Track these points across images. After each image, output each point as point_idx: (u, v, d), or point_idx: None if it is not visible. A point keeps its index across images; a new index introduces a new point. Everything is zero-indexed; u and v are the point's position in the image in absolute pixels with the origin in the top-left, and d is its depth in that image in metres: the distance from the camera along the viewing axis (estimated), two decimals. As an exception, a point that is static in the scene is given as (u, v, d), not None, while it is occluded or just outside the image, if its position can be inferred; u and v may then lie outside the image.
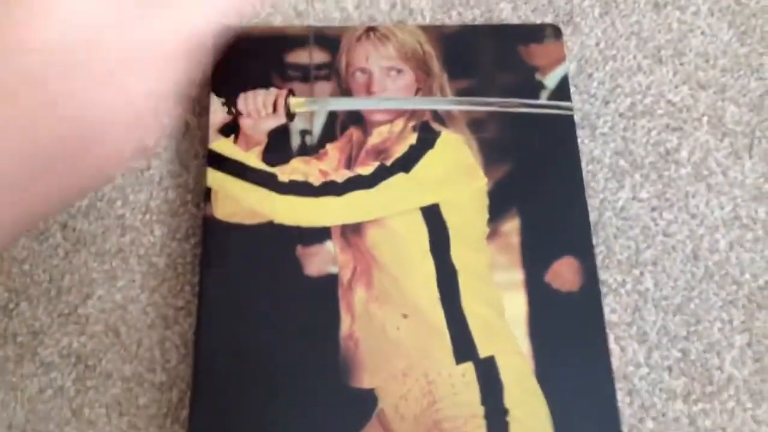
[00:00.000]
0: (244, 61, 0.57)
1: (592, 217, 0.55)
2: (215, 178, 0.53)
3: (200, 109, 0.59)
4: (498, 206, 0.53)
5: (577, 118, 0.59)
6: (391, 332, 0.49)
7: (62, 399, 0.50)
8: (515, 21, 0.62)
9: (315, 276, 0.51)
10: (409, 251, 0.52)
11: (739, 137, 0.59)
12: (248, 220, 0.52)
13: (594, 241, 0.54)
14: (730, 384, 0.51)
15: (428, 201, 0.53)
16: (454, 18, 0.62)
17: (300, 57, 0.58)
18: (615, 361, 0.51)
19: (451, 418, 0.47)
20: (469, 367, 0.49)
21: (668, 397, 0.51)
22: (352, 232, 0.52)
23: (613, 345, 0.52)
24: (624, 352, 0.52)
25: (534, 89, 0.57)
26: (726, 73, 0.61)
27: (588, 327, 0.50)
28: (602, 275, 0.54)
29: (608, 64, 0.61)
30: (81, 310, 0.52)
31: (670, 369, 0.51)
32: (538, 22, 0.62)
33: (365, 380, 0.48)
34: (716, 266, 0.54)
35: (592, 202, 0.56)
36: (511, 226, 0.53)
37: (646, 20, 0.63)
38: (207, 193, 0.53)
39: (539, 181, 0.54)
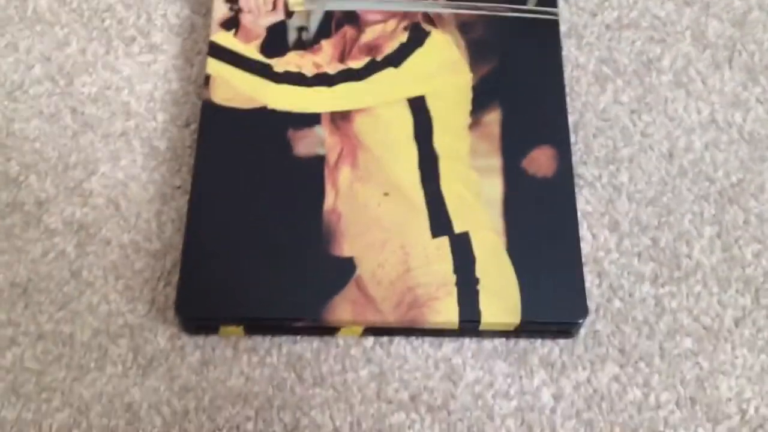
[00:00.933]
0: (248, -36, 0.58)
1: (573, 117, 0.56)
2: (215, 66, 0.54)
3: (206, 11, 0.60)
4: (481, 100, 0.54)
5: (564, 28, 0.59)
6: (372, 208, 0.50)
7: (63, 262, 0.51)
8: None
9: (303, 156, 0.52)
10: (394, 137, 0.52)
11: (721, 50, 0.59)
12: (244, 105, 0.53)
13: (573, 139, 0.54)
14: (698, 270, 0.51)
15: (415, 93, 0.53)
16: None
17: (301, -39, 0.58)
18: (586, 247, 0.51)
19: (424, 284, 0.48)
20: (444, 240, 0.49)
21: (636, 280, 0.51)
22: (341, 118, 0.53)
23: (585, 232, 0.52)
24: (596, 239, 0.52)
25: (522, -4, 0.57)
26: (711, -9, 0.61)
27: (560, 211, 0.50)
28: (579, 170, 0.54)
29: (597, -20, 0.61)
30: (85, 185, 0.53)
31: (639, 255, 0.51)
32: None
33: (345, 248, 0.49)
34: (690, 164, 0.54)
35: (575, 105, 0.56)
36: (493, 117, 0.53)
37: (636, -59, 0.63)
38: (206, 80, 0.54)
39: (522, 79, 0.54)
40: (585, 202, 0.53)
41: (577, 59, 0.58)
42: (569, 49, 0.58)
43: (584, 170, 0.54)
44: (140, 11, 0.59)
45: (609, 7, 0.60)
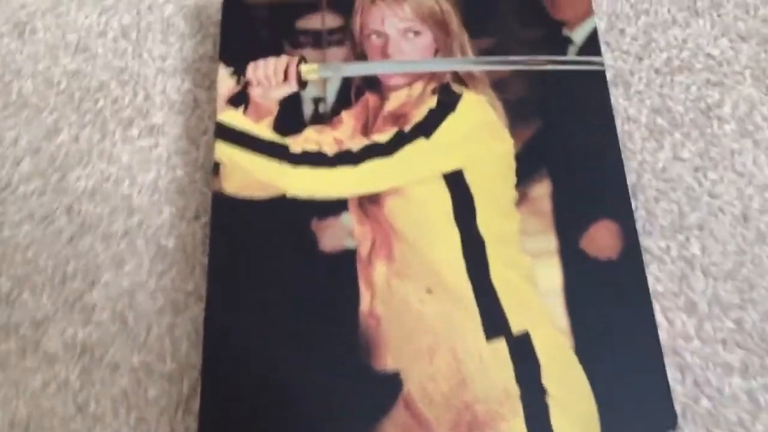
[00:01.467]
0: (253, 29, 0.51)
1: (631, 179, 0.48)
2: (224, 150, 0.47)
3: (209, 83, 0.52)
4: (526, 169, 0.46)
5: (609, 75, 0.51)
6: (414, 307, 0.42)
7: (66, 393, 0.44)
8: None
9: (331, 251, 0.44)
10: (431, 220, 0.45)
11: (787, 89, 0.51)
12: (259, 194, 0.46)
13: (633, 206, 0.47)
14: (792, 354, 0.43)
15: (451, 167, 0.46)
16: (473, -23, 0.55)
17: (311, 22, 0.51)
18: (663, 335, 0.44)
19: (483, 399, 0.40)
20: (500, 343, 0.42)
21: (724, 372, 0.43)
22: (370, 202, 0.45)
23: (659, 317, 0.44)
24: (672, 325, 0.44)
25: (561, 45, 0.50)
26: (769, 22, 0.53)
27: (631, 297, 0.42)
28: (644, 242, 0.46)
29: (641, 18, 0.53)
30: (86, 298, 0.46)
31: (724, 341, 0.44)
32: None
33: (388, 361, 0.41)
34: (769, 227, 0.47)
35: (630, 164, 0.48)
36: (542, 189, 0.46)
37: (679, -29, 0.55)
38: (216, 168, 0.46)
39: (570, 141, 0.47)
40: (654, 280, 0.45)
41: (626, 111, 0.50)
42: (617, 100, 0.51)
43: (650, 242, 0.46)
44: (137, 88, 0.52)
45: (656, 49, 0.52)
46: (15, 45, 0.54)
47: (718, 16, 0.53)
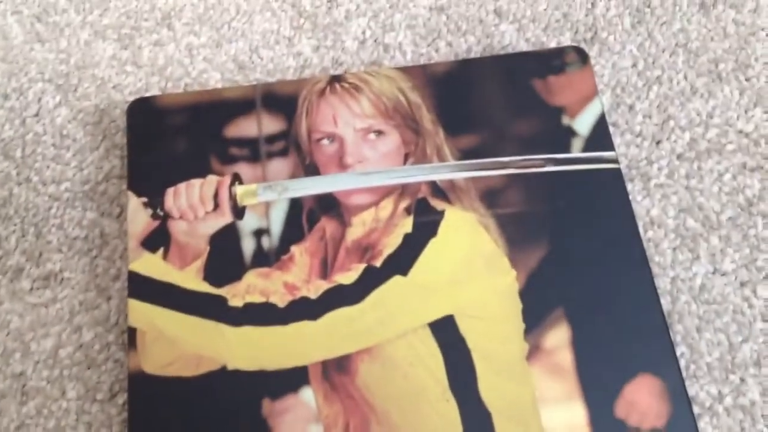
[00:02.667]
0: (169, 141, 0.42)
1: (664, 304, 0.40)
2: (140, 312, 0.38)
3: (119, 211, 0.43)
4: (537, 309, 0.38)
5: (622, 166, 0.43)
6: None
7: None
8: (523, 46, 0.47)
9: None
10: (420, 391, 0.36)
11: (841, 170, 0.44)
12: (191, 371, 0.37)
13: (672, 338, 0.39)
14: None
15: (438, 313, 0.38)
16: (442, 51, 0.47)
17: (245, 128, 0.43)
18: None
19: None
20: None
21: None
22: (337, 370, 0.37)
23: (719, 491, 0.36)
24: (737, 501, 0.36)
25: (563, 138, 0.42)
26: (808, 85, 0.46)
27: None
28: (689, 389, 0.38)
29: (652, 89, 0.46)
30: None
31: None
32: (553, 45, 0.47)
33: None
34: (843, 357, 0.39)
35: (661, 284, 0.41)
36: (559, 336, 0.38)
37: (692, 26, 0.48)
38: (131, 337, 0.38)
39: (588, 266, 0.39)
40: (708, 440, 0.37)
41: (648, 212, 0.43)
42: (635, 198, 0.43)
43: (696, 389, 0.39)
44: (25, 224, 0.43)
45: (676, 128, 0.45)
46: None
47: (747, 80, 0.46)
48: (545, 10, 0.48)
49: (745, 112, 0.45)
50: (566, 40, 0.47)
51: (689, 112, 0.45)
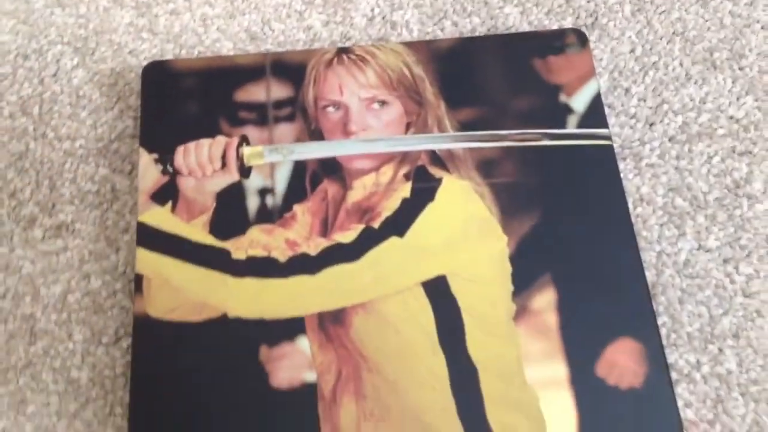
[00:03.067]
0: (181, 103, 0.45)
1: (649, 276, 0.43)
2: (148, 260, 0.41)
3: (131, 168, 0.46)
4: (525, 274, 0.41)
5: (615, 145, 0.46)
6: (393, 464, 0.37)
7: None
8: (526, 28, 0.49)
9: (286, 387, 0.38)
10: (410, 344, 0.39)
11: (826, 158, 0.46)
12: (193, 317, 0.40)
13: (654, 308, 0.41)
14: None
15: (432, 273, 0.40)
16: (448, 30, 0.50)
17: (254, 93, 0.45)
18: (698, 476, 0.38)
19: None
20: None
21: None
22: (332, 321, 0.39)
23: (693, 452, 0.39)
24: (709, 462, 0.39)
25: (559, 115, 0.45)
26: (799, 76, 0.48)
27: (660, 434, 0.37)
28: (669, 356, 0.41)
29: (648, 74, 0.48)
30: (-23, 451, 0.39)
31: (773, 482, 0.38)
32: (555, 27, 0.49)
33: None
34: (818, 333, 0.42)
35: (647, 257, 0.43)
36: (545, 300, 0.40)
37: (690, 16, 0.50)
38: (138, 283, 0.40)
39: (576, 236, 0.41)
40: (684, 404, 0.40)
41: (639, 190, 0.45)
42: (626, 177, 0.45)
43: (676, 357, 0.41)
44: (40, 178, 0.46)
45: (669, 112, 0.47)
46: None
47: (740, 69, 0.49)
48: (548, -6, 0.51)
49: (737, 99, 0.48)
50: (568, 25, 0.50)
51: (683, 97, 0.48)
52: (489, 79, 0.46)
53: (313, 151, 0.44)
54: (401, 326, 0.39)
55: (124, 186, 0.46)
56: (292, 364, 0.39)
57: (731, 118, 0.47)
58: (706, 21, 0.50)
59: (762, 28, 0.50)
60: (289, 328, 0.40)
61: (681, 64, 0.49)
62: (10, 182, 0.46)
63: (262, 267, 0.41)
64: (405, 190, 0.42)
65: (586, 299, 0.40)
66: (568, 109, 0.45)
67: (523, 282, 0.40)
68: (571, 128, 0.44)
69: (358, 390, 0.38)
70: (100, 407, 0.40)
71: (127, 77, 0.48)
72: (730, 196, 0.45)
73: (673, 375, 0.41)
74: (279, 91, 0.45)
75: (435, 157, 0.43)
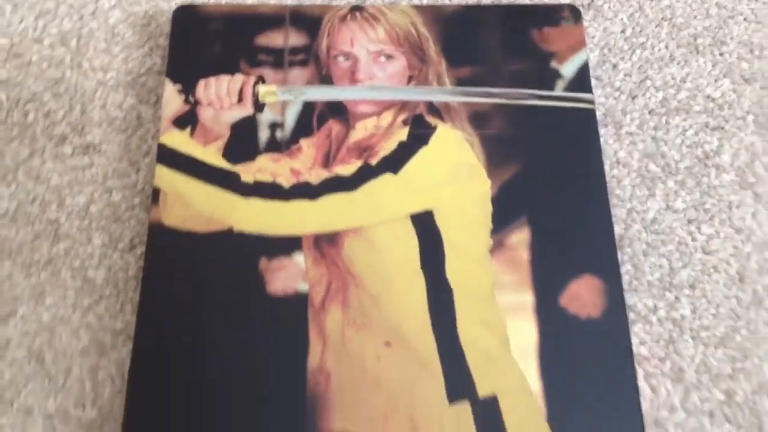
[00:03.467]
0: (206, 43, 0.50)
1: (618, 229, 0.47)
2: (165, 176, 0.46)
3: (155, 100, 0.51)
4: (504, 214, 0.45)
5: (599, 113, 0.51)
6: (370, 364, 0.41)
7: (-31, 440, 0.42)
8: (527, 0, 0.55)
9: (280, 295, 0.43)
10: (394, 266, 0.44)
11: (792, 139, 0.51)
12: (202, 228, 0.45)
13: (619, 259, 0.46)
14: (787, 434, 0.43)
15: (420, 207, 0.45)
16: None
17: (273, 39, 0.50)
18: (645, 404, 0.43)
19: (441, 471, 0.39)
20: (464, 407, 0.41)
21: (711, 448, 0.42)
22: (327, 242, 0.44)
23: (642, 384, 0.44)
24: (656, 393, 0.43)
25: (549, 78, 0.50)
26: (774, 65, 0.53)
27: (612, 361, 0.42)
28: (629, 299, 0.46)
29: (636, 53, 0.53)
30: (0, 332, 0.44)
31: (711, 414, 0.43)
32: (554, 2, 0.55)
33: (337, 422, 0.40)
34: (767, 291, 0.46)
35: (618, 213, 0.48)
36: (520, 238, 0.45)
37: (679, 4, 0.55)
38: (155, 195, 0.45)
39: (554, 186, 0.46)
40: (639, 342, 0.45)
41: (616, 154, 0.50)
42: (606, 141, 0.50)
43: (635, 300, 0.46)
44: (73, 102, 0.51)
45: (651, 87, 0.52)
46: (-61, 45, 0.53)
47: (720, 54, 0.53)
48: (550, -26, 0.56)
49: (715, 81, 0.53)
50: (565, 2, 0.55)
51: (665, 76, 0.53)
52: (487, 43, 0.51)
53: (322, 94, 0.49)
54: (388, 251, 0.44)
55: (148, 115, 0.51)
56: (288, 275, 0.44)
57: (708, 97, 0.52)
58: (693, 10, 0.55)
59: (744, 19, 0.55)
60: (288, 245, 0.45)
61: (666, 47, 0.54)
62: (46, 104, 0.51)
63: (268, 190, 0.46)
64: (402, 134, 0.47)
65: (556, 240, 0.45)
66: (557, 75, 0.50)
67: (501, 221, 0.45)
68: (558, 92, 0.49)
69: (344, 301, 0.43)
70: (111, 304, 0.46)
71: (158, 20, 0.54)
72: (700, 166, 0.50)
73: (632, 316, 0.46)
74: (295, 39, 0.50)
75: (432, 108, 0.48)
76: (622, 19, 0.55)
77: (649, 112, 0.52)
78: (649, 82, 0.52)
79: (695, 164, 0.50)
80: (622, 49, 0.54)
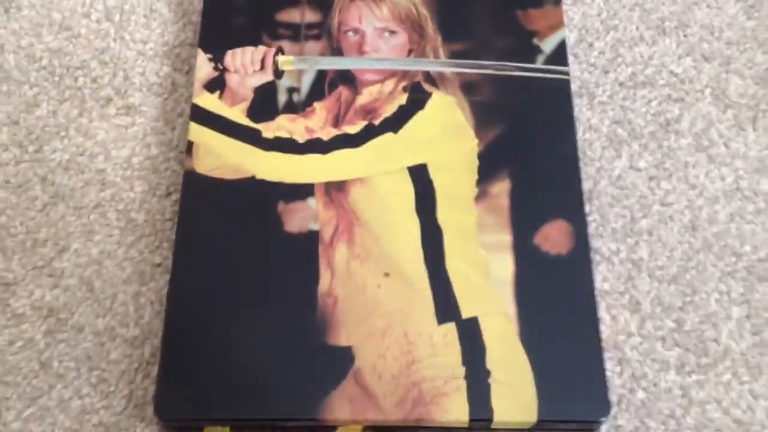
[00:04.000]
0: (233, 19, 0.57)
1: (587, 184, 0.54)
2: (198, 132, 0.52)
3: (188, 69, 0.58)
4: (488, 168, 0.52)
5: (575, 86, 0.57)
6: (371, 290, 0.48)
7: (31, 351, 0.49)
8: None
9: (296, 232, 0.50)
10: (393, 210, 0.50)
11: (743, 109, 0.57)
12: (230, 175, 0.51)
13: (588, 209, 0.53)
14: (727, 356, 0.49)
15: (416, 161, 0.52)
16: (451, -16, 0.61)
17: (291, 15, 0.57)
18: (606, 330, 0.50)
19: (430, 378, 0.46)
20: (451, 327, 0.47)
21: (661, 367, 0.49)
22: (335, 189, 0.51)
23: (604, 313, 0.50)
24: (615, 321, 0.50)
25: (531, 53, 0.56)
26: (731, 45, 0.60)
27: (576, 291, 0.48)
28: (595, 243, 0.52)
29: (609, 34, 0.60)
30: (56, 263, 0.51)
31: (663, 339, 0.49)
32: (539, -10, 0.61)
33: (342, 337, 0.47)
34: (715, 237, 0.53)
35: (588, 170, 0.54)
36: (501, 188, 0.51)
37: (650, -9, 0.61)
38: (189, 148, 0.52)
39: (532, 145, 0.53)
40: (602, 279, 0.51)
41: (589, 120, 0.56)
42: (581, 110, 0.57)
43: (600, 244, 0.52)
44: (117, 69, 0.58)
45: (622, 64, 0.58)
46: (0, 20, 0.60)
47: (684, 36, 0.60)
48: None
49: (678, 58, 0.59)
50: (548, -12, 0.61)
51: (635, 54, 0.59)
52: (479, 22, 0.57)
53: (334, 63, 0.55)
54: (388, 197, 0.51)
55: (182, 82, 0.57)
56: (302, 217, 0.50)
57: (671, 72, 0.58)
58: (662, -4, 0.61)
59: (707, 6, 0.61)
60: (302, 191, 0.51)
61: (637, 29, 0.60)
62: (93, 70, 0.58)
63: (286, 145, 0.52)
64: (402, 99, 0.54)
65: (532, 190, 0.51)
66: (538, 50, 0.56)
67: (485, 174, 0.52)
68: (538, 65, 0.56)
69: (350, 239, 0.50)
70: (151, 241, 0.52)
71: (191, -1, 0.60)
72: (662, 131, 0.56)
73: (597, 257, 0.52)
74: (311, 15, 0.57)
75: (428, 77, 0.55)
76: (599, 3, 0.61)
77: (619, 85, 0.58)
78: (620, 59, 0.59)
79: (658, 130, 0.56)
80: (598, 30, 0.60)
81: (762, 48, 0.59)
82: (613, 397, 0.48)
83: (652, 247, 0.52)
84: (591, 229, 0.52)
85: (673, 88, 0.58)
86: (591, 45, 0.59)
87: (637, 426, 0.47)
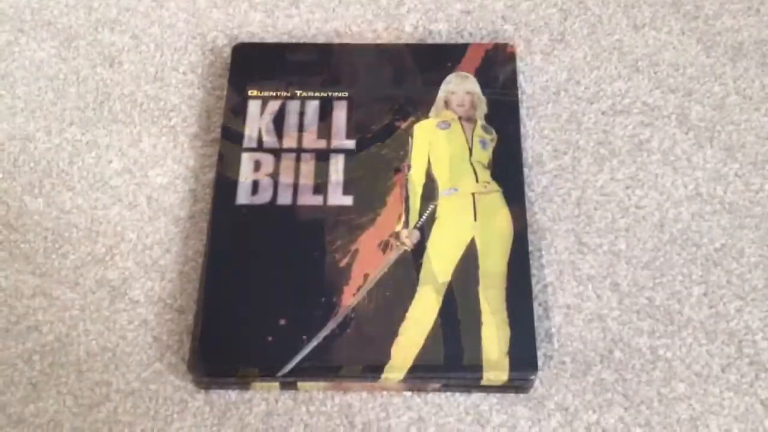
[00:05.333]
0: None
1: (577, 193, 0.64)
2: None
3: (219, 92, 0.69)
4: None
5: (566, 115, 0.68)
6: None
7: (146, 329, 0.59)
8: (518, 40, 0.72)
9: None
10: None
11: (702, 131, 0.67)
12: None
13: (577, 212, 0.63)
14: (689, 324, 0.59)
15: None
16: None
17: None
18: (592, 306, 0.60)
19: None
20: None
21: (635, 333, 0.59)
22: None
23: (591, 293, 0.60)
24: (600, 299, 0.60)
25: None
26: (693, 79, 0.70)
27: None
28: (584, 239, 0.62)
29: (593, 72, 0.70)
30: (161, 262, 0.62)
31: (638, 312, 0.59)
32: (536, 40, 0.72)
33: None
34: (679, 233, 0.63)
35: (577, 182, 0.65)
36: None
37: (626, 38, 0.72)
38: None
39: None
40: (589, 267, 0.61)
41: (577, 142, 0.67)
42: (571, 135, 0.67)
43: (588, 239, 0.62)
44: (201, 111, 0.69)
45: (604, 96, 0.69)
46: (106, 74, 0.71)
47: (654, 73, 0.70)
48: None
49: (649, 91, 0.69)
50: (545, 38, 0.72)
51: (614, 88, 0.69)
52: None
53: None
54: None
55: (212, 104, 0.69)
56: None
57: (644, 102, 0.69)
58: (636, 41, 0.72)
59: (673, 48, 0.71)
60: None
61: (615, 68, 0.71)
62: (183, 112, 0.69)
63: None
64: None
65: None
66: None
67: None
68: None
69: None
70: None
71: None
72: (636, 150, 0.66)
73: (585, 249, 0.62)
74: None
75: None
76: (584, 48, 0.72)
77: (602, 114, 0.68)
78: (602, 93, 0.69)
79: (633, 149, 0.66)
80: (584, 70, 0.70)
81: (718, 81, 0.70)
82: (597, 357, 0.58)
83: (629, 241, 0.62)
84: (579, 227, 0.62)
85: (645, 115, 0.68)
86: (578, 82, 0.70)
87: (617, 378, 0.57)
